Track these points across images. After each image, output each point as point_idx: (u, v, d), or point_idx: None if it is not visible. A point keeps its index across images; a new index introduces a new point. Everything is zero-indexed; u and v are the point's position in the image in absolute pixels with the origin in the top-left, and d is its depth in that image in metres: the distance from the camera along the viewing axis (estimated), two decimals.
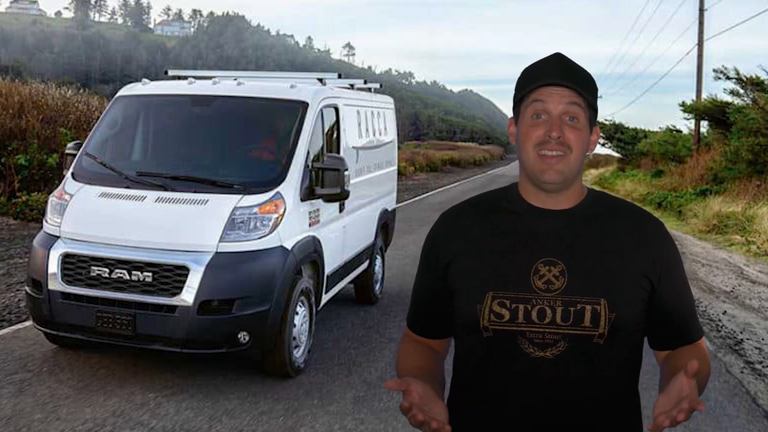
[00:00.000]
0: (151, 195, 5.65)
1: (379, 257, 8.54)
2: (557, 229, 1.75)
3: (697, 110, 26.90)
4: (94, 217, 5.64)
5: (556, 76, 1.69)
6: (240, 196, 5.56)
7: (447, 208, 1.91)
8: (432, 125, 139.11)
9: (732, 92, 22.92)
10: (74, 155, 6.28)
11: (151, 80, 7.11)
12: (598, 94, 1.79)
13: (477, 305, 1.71)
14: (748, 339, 7.55)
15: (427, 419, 1.53)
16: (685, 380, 1.47)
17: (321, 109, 6.45)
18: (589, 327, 1.67)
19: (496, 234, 1.77)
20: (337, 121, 6.93)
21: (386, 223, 8.82)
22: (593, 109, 1.74)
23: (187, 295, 5.20)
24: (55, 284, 5.44)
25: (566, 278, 1.69)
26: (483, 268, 1.74)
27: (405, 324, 2.01)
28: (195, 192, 5.64)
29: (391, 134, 9.23)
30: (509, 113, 1.86)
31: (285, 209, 5.60)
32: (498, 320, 1.70)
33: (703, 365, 1.75)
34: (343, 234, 6.94)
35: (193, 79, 6.95)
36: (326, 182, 5.99)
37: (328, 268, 6.49)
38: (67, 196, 5.84)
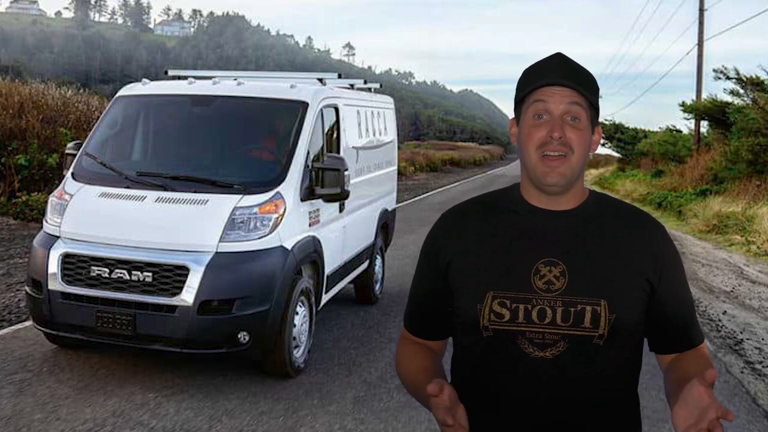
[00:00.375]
0: (151, 195, 5.65)
1: (379, 257, 8.55)
2: (558, 230, 1.75)
3: (697, 110, 26.89)
4: (94, 217, 5.64)
5: (557, 75, 1.69)
6: (240, 196, 5.56)
7: (448, 208, 1.91)
8: (432, 125, 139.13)
9: (732, 92, 22.92)
10: (74, 155, 6.28)
11: (151, 80, 7.11)
12: (599, 94, 1.79)
13: (477, 305, 1.71)
14: (748, 339, 7.55)
15: (455, 424, 1.51)
16: (702, 389, 1.42)
17: (321, 109, 6.45)
18: (589, 328, 1.67)
19: (497, 234, 1.77)
20: (337, 121, 6.93)
21: (386, 223, 8.82)
22: (595, 109, 1.73)
23: (187, 295, 5.20)
24: (55, 284, 5.44)
25: (567, 279, 1.69)
26: (484, 268, 1.74)
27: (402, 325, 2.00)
28: (195, 192, 5.64)
29: (391, 134, 9.23)
30: (509, 113, 1.87)
31: (285, 209, 5.60)
32: (498, 320, 1.70)
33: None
34: (343, 234, 6.94)
35: (193, 79, 6.95)
36: (326, 182, 5.99)
37: (328, 268, 6.49)
38: (67, 196, 5.84)
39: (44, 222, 5.90)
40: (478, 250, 1.76)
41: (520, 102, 1.75)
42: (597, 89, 1.75)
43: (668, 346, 1.81)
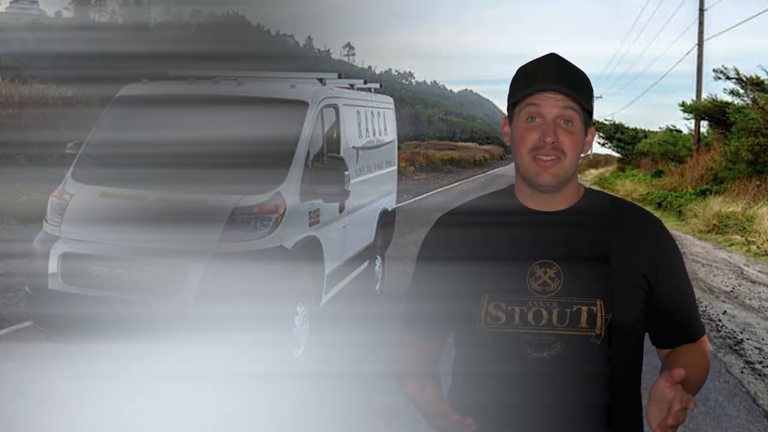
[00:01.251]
0: (151, 195, 5.65)
1: (379, 257, 8.54)
2: (553, 231, 1.75)
3: (697, 110, 26.88)
4: (94, 217, 5.64)
5: (550, 80, 1.69)
6: (240, 196, 5.56)
7: (444, 212, 1.92)
8: (432, 125, 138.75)
9: (732, 92, 22.91)
10: (74, 155, 6.29)
11: (151, 80, 7.11)
12: (598, 95, 1.81)
13: (474, 308, 1.72)
14: (748, 339, 7.55)
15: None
16: (665, 384, 1.47)
17: (321, 109, 6.45)
18: (585, 328, 1.67)
19: (493, 237, 1.77)
20: (337, 121, 6.93)
21: (386, 223, 8.82)
22: (588, 111, 1.74)
23: (188, 295, 5.19)
24: (55, 284, 5.44)
25: (562, 280, 1.69)
26: (480, 271, 1.74)
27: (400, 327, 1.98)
28: (195, 192, 5.64)
29: (391, 134, 9.23)
30: None
31: (285, 209, 5.60)
32: (495, 323, 1.70)
33: (700, 364, 1.76)
34: (343, 234, 6.94)
35: (193, 79, 6.95)
36: (326, 182, 6.00)
37: (328, 268, 6.49)
38: (67, 196, 5.84)
39: (44, 222, 5.90)
40: (474, 254, 1.76)
41: (513, 103, 1.75)
42: (591, 90, 1.75)
43: (668, 341, 1.81)
